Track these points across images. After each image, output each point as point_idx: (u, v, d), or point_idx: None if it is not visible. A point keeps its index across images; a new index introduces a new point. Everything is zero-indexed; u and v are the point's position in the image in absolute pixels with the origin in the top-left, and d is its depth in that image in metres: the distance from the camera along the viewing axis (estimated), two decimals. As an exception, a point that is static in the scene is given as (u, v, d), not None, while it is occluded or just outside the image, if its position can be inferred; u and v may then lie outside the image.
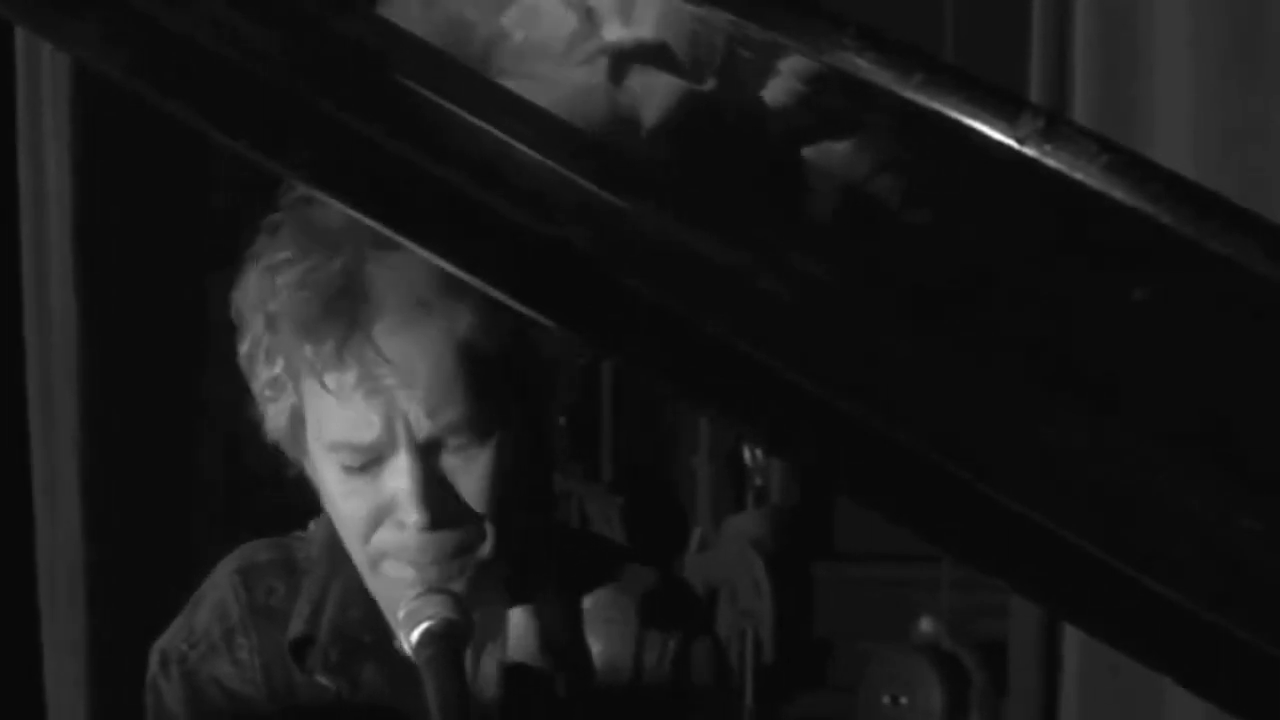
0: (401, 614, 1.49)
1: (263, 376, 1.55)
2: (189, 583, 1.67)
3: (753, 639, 4.05)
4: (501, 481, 1.52)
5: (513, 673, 1.58)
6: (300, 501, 1.63)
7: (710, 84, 0.96)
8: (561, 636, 1.60)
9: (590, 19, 0.98)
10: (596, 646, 1.63)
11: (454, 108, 0.97)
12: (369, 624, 1.60)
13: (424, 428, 1.49)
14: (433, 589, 1.49)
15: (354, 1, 1.01)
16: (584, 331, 1.05)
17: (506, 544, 1.53)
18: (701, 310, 0.96)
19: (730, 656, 3.99)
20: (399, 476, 1.50)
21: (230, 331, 1.58)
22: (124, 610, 3.17)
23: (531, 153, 0.95)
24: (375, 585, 1.56)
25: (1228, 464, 0.90)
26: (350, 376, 1.48)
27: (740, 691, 4.08)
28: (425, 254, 1.09)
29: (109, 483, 3.29)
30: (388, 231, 1.10)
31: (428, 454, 1.50)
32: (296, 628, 1.59)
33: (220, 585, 1.64)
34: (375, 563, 1.54)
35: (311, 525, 1.66)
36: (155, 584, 1.69)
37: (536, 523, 1.64)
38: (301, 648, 1.59)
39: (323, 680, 1.59)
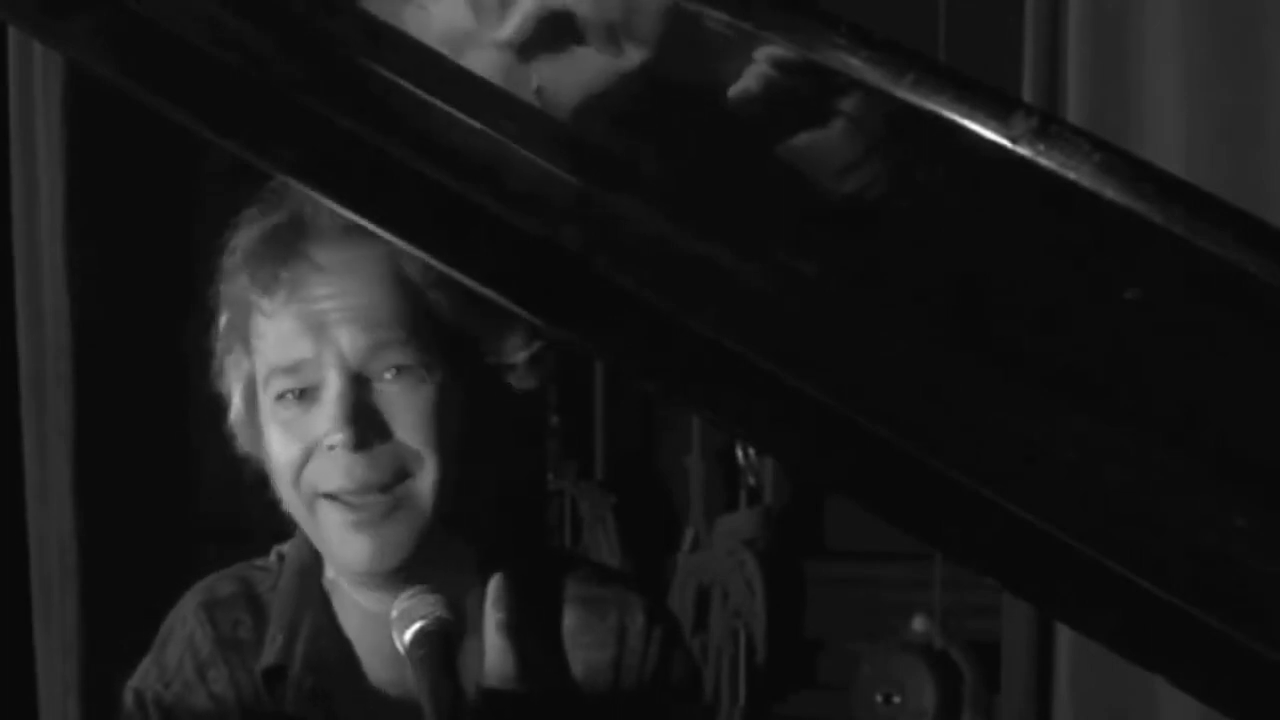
0: (395, 614, 1.48)
1: (219, 341, 1.57)
2: (183, 584, 1.67)
3: (745, 639, 4.05)
4: (443, 419, 1.51)
5: (490, 698, 1.56)
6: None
7: (636, 56, 0.95)
8: (540, 660, 1.59)
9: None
10: (574, 670, 1.61)
11: (445, 106, 0.97)
12: (340, 653, 1.60)
13: (357, 348, 1.50)
14: (422, 591, 1.49)
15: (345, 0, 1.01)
16: (576, 331, 1.05)
17: (450, 491, 1.52)
18: (694, 309, 0.96)
19: (708, 671, 4.00)
20: (328, 404, 1.50)
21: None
22: (117, 613, 3.16)
23: (523, 151, 0.95)
24: (316, 532, 1.55)
25: (1221, 463, 0.90)
26: (283, 295, 1.51)
27: (734, 693, 4.08)
28: (416, 251, 1.09)
29: (102, 484, 3.28)
30: (380, 230, 1.11)
31: (358, 380, 1.50)
32: (269, 656, 1.58)
33: (187, 620, 1.62)
34: (310, 503, 1.53)
35: (274, 554, 1.66)
36: (149, 586, 1.69)
37: (507, 491, 1.63)
38: (273, 677, 1.58)
39: (296, 710, 1.57)
